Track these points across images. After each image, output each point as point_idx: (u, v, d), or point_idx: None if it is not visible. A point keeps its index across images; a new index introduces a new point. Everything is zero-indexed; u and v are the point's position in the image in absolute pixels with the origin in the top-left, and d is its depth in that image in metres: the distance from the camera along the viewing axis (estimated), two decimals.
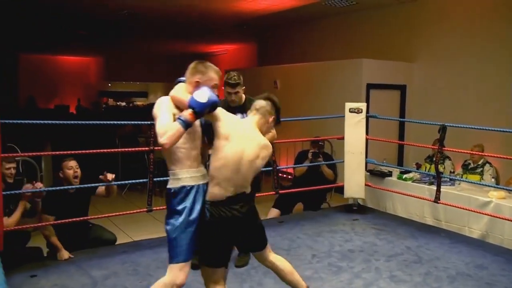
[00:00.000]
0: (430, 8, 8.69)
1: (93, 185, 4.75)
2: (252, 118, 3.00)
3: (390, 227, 5.40)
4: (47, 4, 9.54)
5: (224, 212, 2.75)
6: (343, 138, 6.01)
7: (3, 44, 15.79)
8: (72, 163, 4.66)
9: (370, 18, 9.82)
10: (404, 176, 6.22)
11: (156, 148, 4.62)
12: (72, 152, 4.65)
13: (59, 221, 4.47)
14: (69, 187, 4.63)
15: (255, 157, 2.85)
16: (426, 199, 5.64)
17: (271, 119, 3.02)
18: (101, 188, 4.82)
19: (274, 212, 6.18)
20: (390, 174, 6.42)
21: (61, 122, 5.16)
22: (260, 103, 3.04)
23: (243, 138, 2.84)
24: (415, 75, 8.98)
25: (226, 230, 2.80)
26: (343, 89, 8.61)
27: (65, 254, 4.43)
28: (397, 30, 9.28)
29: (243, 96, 4.15)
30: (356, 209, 6.08)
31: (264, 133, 3.01)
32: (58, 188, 4.60)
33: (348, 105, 5.96)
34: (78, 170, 4.70)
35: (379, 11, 9.56)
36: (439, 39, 8.54)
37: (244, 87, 4.10)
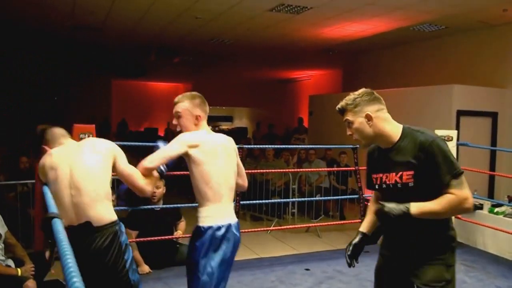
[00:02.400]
0: None
1: (172, 205, 4.95)
2: None
3: (480, 264, 5.16)
4: (143, 35, 10.06)
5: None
6: None
7: (98, 71, 16.74)
8: None
9: (459, 42, 9.55)
10: (496, 209, 5.94)
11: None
12: None
13: (141, 239, 4.64)
14: (152, 206, 4.82)
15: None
16: None
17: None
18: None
19: None
20: (481, 207, 6.15)
21: (153, 144, 5.40)
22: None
23: None
24: (507, 102, 8.60)
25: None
26: (433, 116, 8.38)
27: (145, 269, 4.63)
28: (488, 55, 8.95)
29: (382, 127, 2.39)
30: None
31: None
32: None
33: (438, 132, 5.79)
34: (158, 190, 4.87)
35: (469, 35, 9.27)
36: None
37: (367, 113, 2.39)
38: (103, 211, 2.58)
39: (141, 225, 4.81)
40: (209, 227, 2.68)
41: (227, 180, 2.81)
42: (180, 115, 2.84)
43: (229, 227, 2.72)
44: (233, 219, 2.78)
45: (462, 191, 2.20)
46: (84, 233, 2.50)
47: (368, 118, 2.38)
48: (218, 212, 2.72)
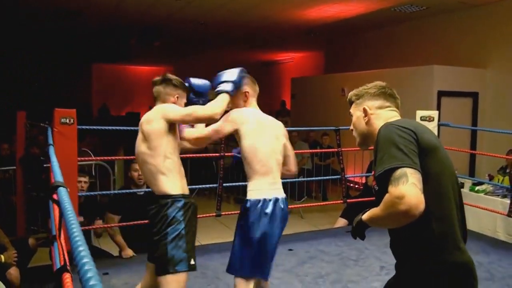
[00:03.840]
0: (503, 11, 8.36)
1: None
2: None
3: None
4: (123, 18, 9.94)
5: None
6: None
7: (77, 54, 16.53)
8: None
9: (440, 23, 9.59)
10: (477, 188, 6.02)
11: (226, 154, 4.76)
12: None
13: (123, 223, 4.63)
14: (135, 190, 4.81)
15: None
16: (498, 213, 5.43)
17: (173, 99, 2.92)
18: None
19: (341, 222, 6.14)
20: (461, 185, 6.22)
21: (135, 128, 5.36)
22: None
23: None
24: (487, 82, 8.68)
25: None
26: (414, 97, 8.42)
27: (129, 253, 4.62)
28: (469, 35, 9.00)
29: (376, 127, 1.97)
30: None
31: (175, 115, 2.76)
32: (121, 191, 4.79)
33: (420, 113, 5.83)
34: None
35: (450, 16, 9.31)
36: None
37: (364, 107, 2.08)
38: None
39: (124, 209, 4.79)
40: (257, 201, 2.77)
41: (275, 155, 2.93)
42: None
43: (276, 201, 2.81)
44: (280, 194, 2.87)
45: (396, 188, 1.64)
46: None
47: (364, 112, 2.06)
48: (266, 186, 2.82)
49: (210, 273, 4.19)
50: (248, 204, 2.78)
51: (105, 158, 7.11)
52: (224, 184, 5.06)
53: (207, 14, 9.80)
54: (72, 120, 4.08)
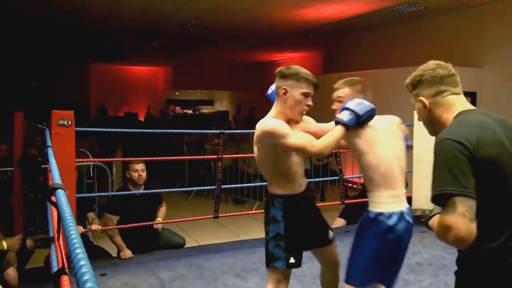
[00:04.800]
0: (500, 11, 8.39)
1: (155, 191, 4.95)
2: None
3: None
4: (121, 18, 9.93)
5: None
6: (412, 147, 5.89)
7: (75, 55, 16.52)
8: (139, 166, 4.83)
9: (438, 23, 9.59)
10: None
11: (224, 156, 4.76)
12: (142, 158, 4.85)
13: (123, 226, 4.63)
14: (133, 192, 4.81)
15: None
16: None
17: (280, 92, 2.80)
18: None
19: (339, 222, 6.11)
20: None
21: (133, 130, 5.36)
22: None
23: None
24: (485, 82, 8.68)
25: None
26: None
27: (127, 253, 4.60)
28: (466, 35, 9.01)
29: (439, 116, 1.97)
30: (424, 221, 5.92)
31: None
32: (118, 193, 4.79)
33: None
34: (143, 174, 4.87)
35: (448, 16, 9.32)
36: (510, 43, 8.24)
37: (421, 98, 2.00)
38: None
39: (123, 210, 4.78)
40: (379, 214, 2.64)
41: (400, 163, 2.71)
42: (341, 100, 2.85)
43: (401, 214, 2.68)
44: (404, 205, 2.72)
45: (444, 217, 1.62)
46: None
47: (423, 104, 1.95)
48: (388, 200, 2.66)
49: (208, 274, 4.19)
50: (372, 216, 2.64)
51: (103, 159, 7.10)
52: (223, 186, 5.06)
53: (204, 15, 9.80)
54: (70, 122, 4.06)
